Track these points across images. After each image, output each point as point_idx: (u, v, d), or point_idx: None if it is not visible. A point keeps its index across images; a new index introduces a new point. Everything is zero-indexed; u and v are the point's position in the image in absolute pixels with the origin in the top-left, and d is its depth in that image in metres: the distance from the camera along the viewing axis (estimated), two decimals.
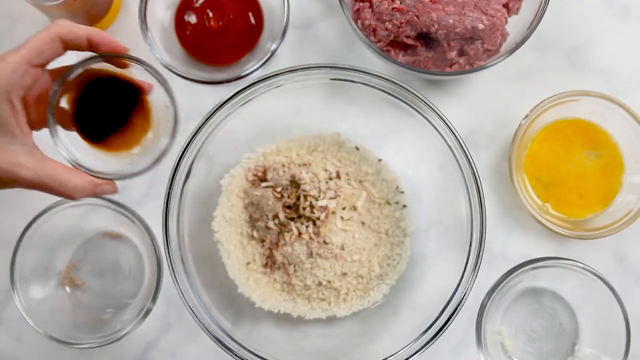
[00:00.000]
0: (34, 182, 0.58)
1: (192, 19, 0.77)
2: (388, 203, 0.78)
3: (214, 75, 0.77)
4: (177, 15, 0.78)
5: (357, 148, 0.79)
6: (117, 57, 0.61)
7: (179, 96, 0.80)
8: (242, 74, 0.74)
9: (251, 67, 0.74)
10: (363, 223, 0.77)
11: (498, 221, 0.79)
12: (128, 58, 0.61)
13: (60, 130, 0.61)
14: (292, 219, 0.75)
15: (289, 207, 0.75)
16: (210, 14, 0.77)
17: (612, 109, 0.75)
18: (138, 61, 0.61)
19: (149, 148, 0.65)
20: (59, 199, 0.73)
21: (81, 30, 0.59)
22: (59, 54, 0.60)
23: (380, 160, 0.79)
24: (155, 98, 0.64)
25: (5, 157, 0.56)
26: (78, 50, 0.60)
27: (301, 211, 0.74)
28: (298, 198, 0.75)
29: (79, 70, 0.60)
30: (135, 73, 0.63)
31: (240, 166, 0.78)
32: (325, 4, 0.81)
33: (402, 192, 0.79)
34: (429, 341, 0.69)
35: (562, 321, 0.79)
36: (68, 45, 0.59)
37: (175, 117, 0.62)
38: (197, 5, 0.77)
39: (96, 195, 0.62)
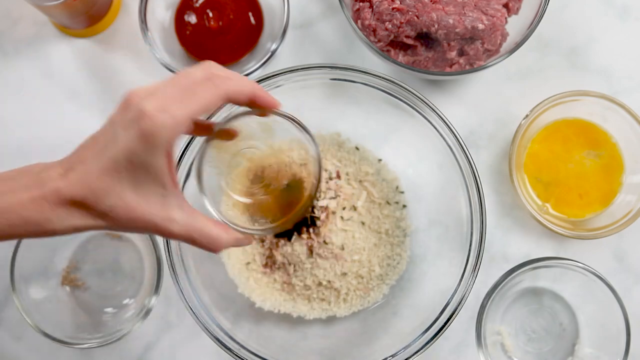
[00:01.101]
0: (183, 236, 0.56)
1: (192, 19, 0.77)
2: (388, 203, 0.78)
3: None
4: (177, 15, 0.78)
5: (357, 148, 0.79)
6: (269, 112, 0.58)
7: None
8: (242, 74, 0.74)
9: (251, 67, 0.74)
10: (363, 223, 0.77)
11: (498, 221, 0.79)
12: (281, 115, 0.58)
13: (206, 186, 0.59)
14: None
15: None
16: (210, 14, 0.77)
17: (612, 109, 0.75)
18: (289, 118, 0.59)
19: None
20: None
21: (248, 89, 0.56)
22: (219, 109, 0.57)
23: (380, 160, 0.79)
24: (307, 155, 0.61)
25: (158, 211, 0.53)
26: (236, 103, 0.57)
27: None
28: None
29: (226, 126, 0.58)
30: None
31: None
32: (325, 4, 0.81)
33: (402, 192, 0.79)
34: (429, 341, 0.69)
35: (562, 321, 0.79)
36: (230, 100, 0.56)
37: (319, 170, 0.60)
38: (197, 5, 0.77)
39: (236, 246, 0.59)
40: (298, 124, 0.59)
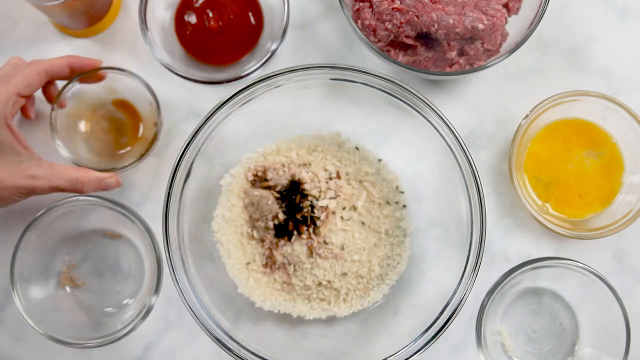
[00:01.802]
0: (50, 187, 0.69)
1: (192, 19, 0.77)
2: (388, 203, 0.78)
3: (214, 75, 0.77)
4: (177, 15, 0.78)
5: (357, 148, 0.79)
6: (96, 70, 0.73)
7: (179, 95, 0.81)
8: (242, 74, 0.74)
9: (251, 67, 0.74)
10: (363, 223, 0.77)
11: (498, 221, 0.79)
12: (106, 69, 0.74)
13: (60, 135, 0.74)
14: (291, 219, 0.75)
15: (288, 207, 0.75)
16: (210, 14, 0.77)
17: (612, 109, 0.75)
18: (114, 68, 0.74)
19: (137, 143, 0.78)
20: (58, 199, 0.73)
21: (62, 61, 0.71)
22: (43, 84, 0.71)
23: (380, 160, 0.79)
24: (140, 98, 0.75)
25: (19, 173, 0.67)
26: (61, 79, 0.72)
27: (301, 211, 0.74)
28: (298, 198, 0.75)
29: (66, 92, 0.73)
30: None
31: (240, 166, 0.78)
32: (325, 4, 0.81)
33: (402, 192, 0.79)
34: (429, 341, 0.69)
35: (562, 321, 0.79)
36: (52, 75, 0.71)
37: (158, 112, 0.74)
38: (197, 5, 0.77)
39: (103, 189, 0.72)
40: (128, 72, 0.74)
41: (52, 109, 0.73)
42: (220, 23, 0.77)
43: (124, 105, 0.78)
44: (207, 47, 0.78)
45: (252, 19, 0.78)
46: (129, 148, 0.78)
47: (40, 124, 0.79)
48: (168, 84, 0.79)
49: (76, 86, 0.74)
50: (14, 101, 0.68)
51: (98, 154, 0.78)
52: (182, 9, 0.78)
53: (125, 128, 0.79)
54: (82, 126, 0.78)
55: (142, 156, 0.74)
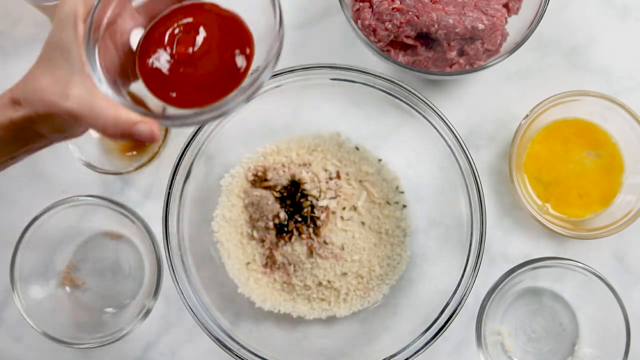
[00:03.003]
0: (75, 112, 0.54)
1: (160, 38, 0.53)
2: (388, 203, 0.78)
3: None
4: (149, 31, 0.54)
5: (357, 148, 0.79)
6: None
7: None
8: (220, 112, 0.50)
9: (233, 105, 0.50)
10: (363, 223, 0.77)
11: (498, 221, 0.79)
12: None
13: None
14: (292, 219, 0.75)
15: (288, 207, 0.75)
16: (180, 35, 0.52)
17: (612, 109, 0.75)
18: None
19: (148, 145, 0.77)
20: (58, 199, 0.73)
21: None
22: None
23: (380, 160, 0.79)
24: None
25: (59, 88, 0.54)
26: None
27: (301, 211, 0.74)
28: (298, 198, 0.75)
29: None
30: None
31: (240, 166, 0.78)
32: (325, 4, 0.81)
33: (402, 192, 0.79)
34: (429, 341, 0.69)
35: (562, 321, 0.79)
36: None
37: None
38: (172, 21, 0.53)
39: (133, 137, 0.54)
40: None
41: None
42: (192, 50, 0.52)
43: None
44: (166, 80, 0.52)
45: (237, 58, 0.51)
46: (140, 149, 0.79)
47: None
48: None
49: None
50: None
51: (109, 155, 0.78)
52: (156, 23, 0.54)
53: None
54: None
55: (153, 157, 0.75)
